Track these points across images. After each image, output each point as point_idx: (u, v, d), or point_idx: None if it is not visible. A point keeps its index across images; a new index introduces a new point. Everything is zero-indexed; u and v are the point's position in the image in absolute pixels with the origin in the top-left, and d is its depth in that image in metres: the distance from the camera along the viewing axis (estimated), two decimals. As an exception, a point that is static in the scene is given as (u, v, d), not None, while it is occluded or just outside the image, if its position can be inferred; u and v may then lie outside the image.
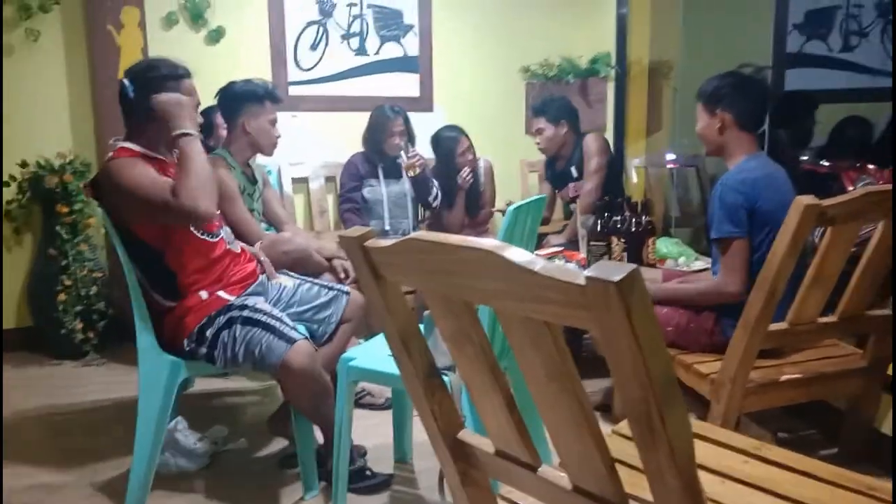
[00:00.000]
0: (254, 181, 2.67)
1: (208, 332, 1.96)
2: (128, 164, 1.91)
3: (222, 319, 1.97)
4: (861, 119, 3.33)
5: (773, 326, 1.84)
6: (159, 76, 1.99)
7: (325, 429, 2.05)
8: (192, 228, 1.99)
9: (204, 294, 2.01)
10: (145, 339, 1.97)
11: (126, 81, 1.97)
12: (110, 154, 1.97)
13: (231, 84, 2.61)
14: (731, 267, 1.97)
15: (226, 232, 2.17)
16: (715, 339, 2.03)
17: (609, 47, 4.29)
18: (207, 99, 3.29)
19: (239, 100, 2.55)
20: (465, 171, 3.54)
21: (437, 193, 3.50)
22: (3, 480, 2.13)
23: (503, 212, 3.92)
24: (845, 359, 2.10)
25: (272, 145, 2.60)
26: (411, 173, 3.35)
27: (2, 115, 3.30)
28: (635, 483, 0.91)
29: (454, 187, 3.57)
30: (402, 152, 3.36)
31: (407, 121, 3.42)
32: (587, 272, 0.66)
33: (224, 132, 3.11)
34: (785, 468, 1.31)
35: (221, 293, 2.04)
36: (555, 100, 3.46)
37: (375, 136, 3.41)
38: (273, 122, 2.58)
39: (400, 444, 2.30)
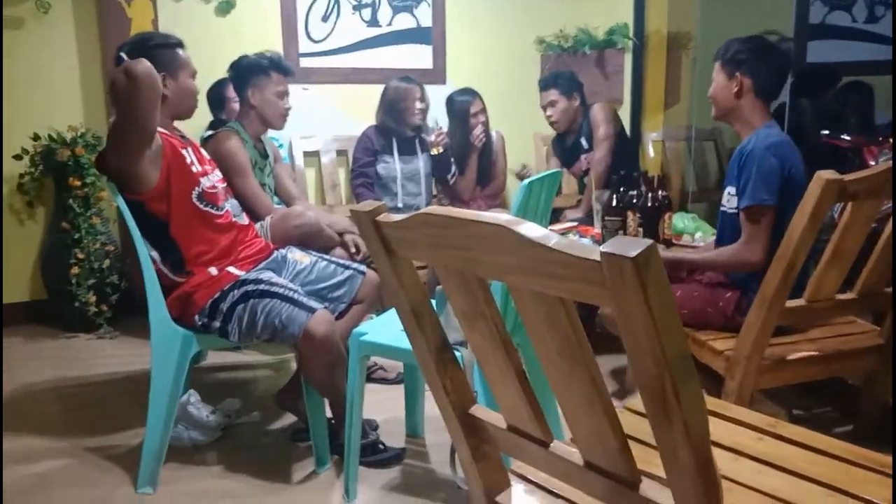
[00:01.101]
0: (265, 155, 2.65)
1: (222, 306, 1.96)
2: None
3: (237, 293, 1.97)
4: (864, 84, 3.27)
5: (791, 303, 1.81)
6: (152, 45, 1.99)
7: (336, 402, 2.05)
8: (194, 200, 1.99)
9: (213, 270, 2.02)
10: (157, 312, 1.97)
11: (122, 55, 1.95)
12: None
13: (242, 57, 2.59)
14: (755, 235, 1.92)
15: (232, 204, 2.16)
16: (734, 322, 1.99)
17: (626, 18, 4.20)
18: (219, 72, 3.28)
19: (246, 72, 2.54)
20: (479, 129, 3.52)
21: (455, 171, 3.52)
22: (2, 468, 2.15)
23: (518, 175, 3.91)
24: (862, 336, 2.07)
25: (280, 117, 2.57)
26: (435, 151, 3.36)
27: (1, 90, 3.29)
28: (647, 460, 0.90)
29: (467, 151, 3.55)
30: (428, 130, 3.36)
31: (423, 89, 3.40)
32: (603, 248, 0.65)
33: (236, 105, 3.10)
34: (800, 445, 1.29)
35: (231, 269, 2.04)
36: (563, 73, 3.42)
37: (396, 108, 3.38)
38: (281, 95, 2.55)
39: (412, 418, 2.31)
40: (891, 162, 1.81)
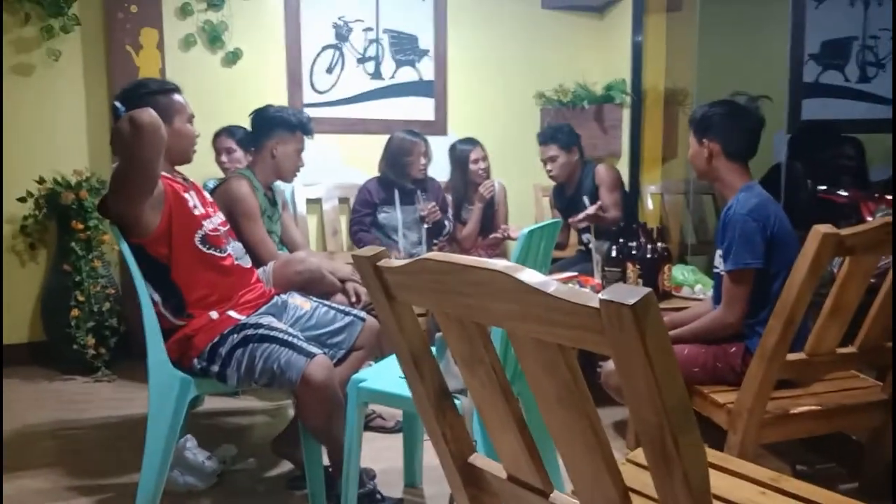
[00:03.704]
0: (274, 203, 2.69)
1: (221, 350, 1.96)
2: None
3: (236, 338, 1.97)
4: (858, 141, 3.33)
5: (792, 356, 1.81)
6: (146, 92, 2.02)
7: (334, 449, 2.02)
8: (196, 243, 2.00)
9: (214, 314, 2.01)
10: (156, 355, 1.96)
11: (117, 104, 1.97)
12: None
13: (267, 107, 2.66)
14: (736, 298, 1.97)
15: (234, 247, 2.17)
16: (742, 376, 1.99)
17: (624, 74, 4.30)
18: (225, 121, 3.35)
19: (272, 124, 2.61)
20: (488, 182, 3.57)
21: (449, 228, 3.58)
22: (2, 493, 2.12)
23: (513, 238, 3.94)
24: (865, 391, 2.05)
25: (294, 172, 2.67)
26: (427, 224, 3.42)
27: (1, 133, 3.35)
28: (649, 513, 0.89)
29: (468, 199, 3.60)
30: (419, 203, 3.45)
31: (427, 144, 3.46)
32: (602, 295, 0.65)
33: (226, 158, 3.17)
34: (803, 500, 1.27)
35: (231, 312, 2.04)
36: (562, 126, 3.49)
37: (399, 161, 3.43)
38: (300, 153, 2.65)
39: (410, 468, 2.28)
40: (888, 217, 1.83)
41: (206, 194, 2.23)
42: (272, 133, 2.59)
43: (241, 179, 2.52)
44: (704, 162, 2.10)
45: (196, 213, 2.05)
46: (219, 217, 2.17)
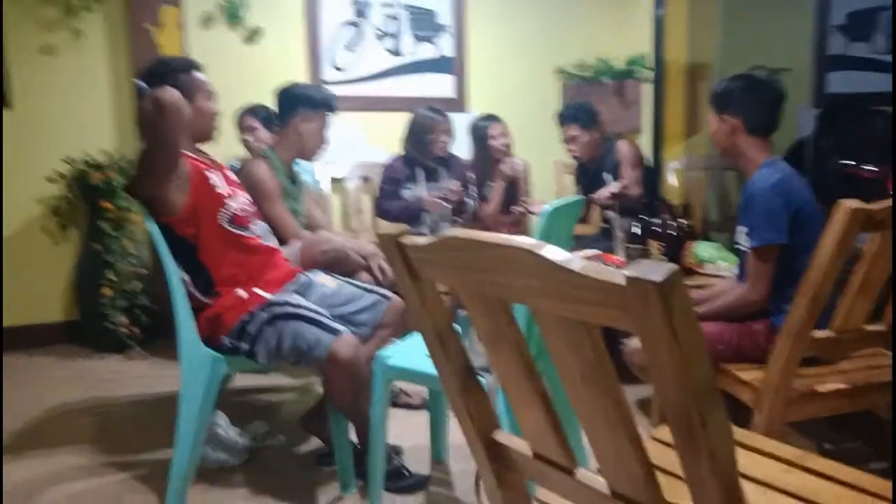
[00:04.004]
0: (296, 182, 2.70)
1: (250, 328, 1.98)
2: None
3: (265, 315, 1.99)
4: (885, 115, 3.26)
5: (818, 333, 1.79)
6: (166, 70, 2.04)
7: (361, 426, 2.05)
8: (222, 223, 2.03)
9: (241, 292, 2.04)
10: (187, 333, 2.00)
11: (140, 83, 2.00)
12: None
13: (293, 85, 2.67)
14: (761, 275, 1.95)
15: (260, 227, 2.19)
16: (768, 354, 1.98)
17: (645, 49, 4.22)
18: (246, 99, 3.36)
19: (297, 101, 2.60)
20: (510, 160, 3.55)
21: (472, 205, 3.56)
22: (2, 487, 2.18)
23: (533, 212, 3.92)
24: (892, 368, 2.03)
25: (317, 150, 2.66)
26: (451, 204, 3.37)
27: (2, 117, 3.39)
28: (674, 491, 0.89)
29: (490, 175, 3.59)
30: (443, 180, 3.44)
31: (450, 122, 3.45)
32: (627, 272, 0.65)
33: (250, 136, 3.18)
34: (829, 479, 1.27)
35: (258, 290, 2.06)
36: (581, 105, 3.46)
37: (422, 138, 3.43)
38: (323, 129, 2.64)
39: (436, 445, 2.30)
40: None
41: (231, 174, 2.25)
42: (296, 110, 2.58)
43: (260, 161, 2.53)
44: (725, 137, 2.07)
45: (219, 191, 2.07)
46: (244, 197, 2.19)
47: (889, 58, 3.50)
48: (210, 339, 2.02)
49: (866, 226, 1.65)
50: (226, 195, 2.09)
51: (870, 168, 2.90)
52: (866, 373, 1.99)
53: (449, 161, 3.56)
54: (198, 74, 2.09)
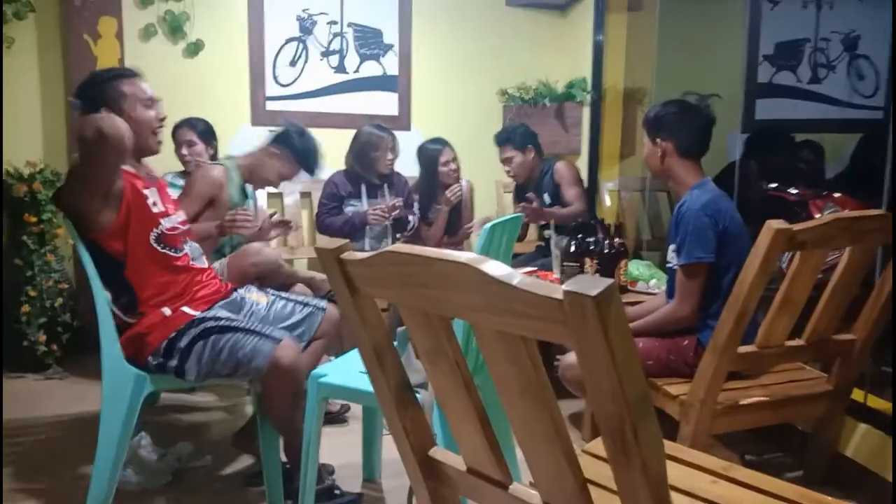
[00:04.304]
0: (247, 197, 2.67)
1: (179, 345, 1.92)
2: None
3: (195, 331, 1.93)
4: (815, 143, 3.45)
5: (742, 349, 1.86)
6: (101, 80, 1.97)
7: (293, 442, 2.00)
8: (152, 242, 1.96)
9: (167, 310, 1.97)
10: (110, 351, 1.92)
11: (74, 100, 1.95)
12: None
13: (300, 127, 2.84)
14: (689, 292, 2.02)
15: (191, 248, 2.13)
16: (695, 368, 2.04)
17: (585, 73, 4.35)
18: (185, 113, 3.29)
19: (292, 144, 2.74)
20: (456, 187, 3.57)
21: (413, 222, 3.54)
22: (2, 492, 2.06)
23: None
24: (811, 382, 2.13)
25: (266, 186, 2.79)
26: (388, 220, 3.37)
27: (1, 118, 3.24)
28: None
29: (434, 199, 3.59)
30: (385, 197, 3.43)
31: (395, 139, 3.45)
32: (565, 286, 0.67)
33: (186, 150, 3.13)
34: (752, 489, 1.32)
35: (185, 308, 2.00)
36: (516, 127, 3.53)
37: (367, 155, 3.41)
38: (285, 178, 2.78)
39: (369, 462, 2.28)
40: (837, 214, 1.89)
41: (171, 191, 2.19)
42: (286, 149, 2.69)
43: (217, 167, 2.49)
44: (658, 161, 2.15)
45: (155, 210, 2.00)
46: (179, 216, 2.12)
47: (812, 87, 3.71)
48: (135, 358, 1.94)
49: (790, 245, 1.73)
50: (161, 213, 2.02)
51: (793, 191, 3.05)
52: (787, 386, 2.08)
53: (392, 178, 3.56)
54: (133, 83, 1.99)
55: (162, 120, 2.05)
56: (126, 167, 1.95)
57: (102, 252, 1.93)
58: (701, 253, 1.98)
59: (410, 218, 3.54)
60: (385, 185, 3.52)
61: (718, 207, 2.02)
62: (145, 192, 1.99)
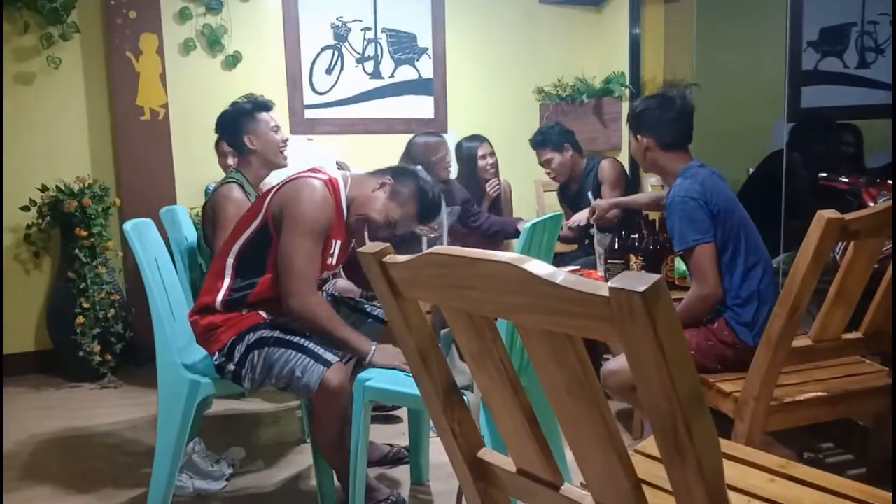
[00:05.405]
0: None
1: (238, 349, 1.94)
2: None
3: (252, 338, 1.94)
4: (855, 128, 3.34)
5: (797, 342, 1.81)
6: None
7: (342, 466, 1.98)
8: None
9: (244, 310, 1.99)
10: (166, 357, 1.96)
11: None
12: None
13: (224, 112, 2.59)
14: (702, 273, 2.00)
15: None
16: (738, 349, 2.00)
17: (623, 67, 4.29)
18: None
19: (235, 121, 2.53)
20: (493, 181, 3.54)
21: (476, 209, 3.47)
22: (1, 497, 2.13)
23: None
24: (870, 376, 2.05)
25: (279, 151, 2.56)
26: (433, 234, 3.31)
27: (1, 143, 3.35)
28: None
29: (478, 197, 3.56)
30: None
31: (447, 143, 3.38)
32: (611, 283, 0.65)
33: (232, 160, 3.12)
34: (812, 486, 1.27)
35: (261, 311, 2.01)
36: (551, 127, 3.46)
37: (426, 162, 3.28)
38: (275, 129, 2.55)
39: (416, 465, 2.28)
40: (890, 202, 1.82)
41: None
42: (239, 128, 2.51)
43: (231, 186, 2.47)
44: (643, 155, 2.17)
45: (328, 262, 2.08)
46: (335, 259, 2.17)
47: (860, 72, 3.59)
48: (205, 344, 1.98)
49: (843, 235, 1.67)
50: (327, 266, 2.10)
51: (845, 179, 2.96)
52: (845, 381, 2.01)
53: (450, 185, 3.49)
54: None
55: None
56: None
57: (267, 232, 1.97)
58: (696, 235, 1.98)
59: (475, 208, 3.45)
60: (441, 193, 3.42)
61: (703, 188, 2.01)
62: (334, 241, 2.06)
